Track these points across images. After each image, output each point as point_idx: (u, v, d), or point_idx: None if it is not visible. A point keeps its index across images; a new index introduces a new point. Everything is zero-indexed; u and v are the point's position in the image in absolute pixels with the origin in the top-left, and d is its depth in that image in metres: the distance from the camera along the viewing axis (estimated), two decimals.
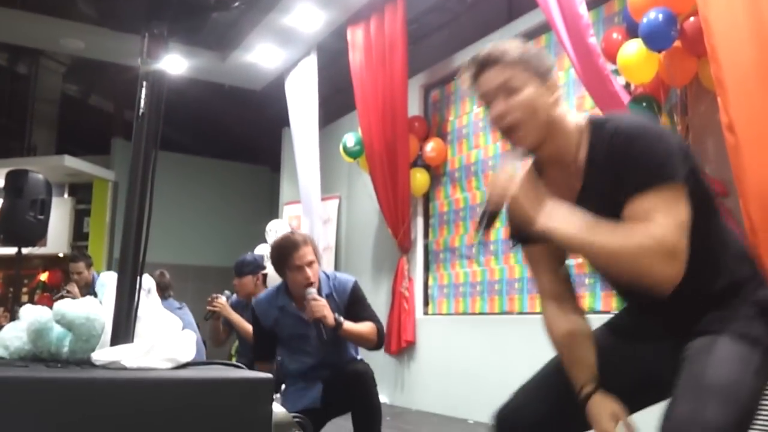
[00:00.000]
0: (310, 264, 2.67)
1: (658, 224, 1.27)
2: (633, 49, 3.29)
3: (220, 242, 8.38)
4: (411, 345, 5.30)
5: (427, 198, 5.60)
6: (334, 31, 5.70)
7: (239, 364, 1.40)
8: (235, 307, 3.97)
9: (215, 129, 8.63)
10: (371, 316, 2.76)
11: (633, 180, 1.31)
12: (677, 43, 3.14)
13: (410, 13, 5.29)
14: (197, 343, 1.39)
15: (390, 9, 5.18)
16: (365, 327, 2.70)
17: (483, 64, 1.42)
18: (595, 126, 1.42)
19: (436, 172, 5.47)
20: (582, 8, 3.34)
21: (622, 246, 1.28)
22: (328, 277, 2.79)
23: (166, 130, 1.45)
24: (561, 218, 1.34)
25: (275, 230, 6.50)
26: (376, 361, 5.50)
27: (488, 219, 1.41)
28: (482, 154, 5.00)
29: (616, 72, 3.46)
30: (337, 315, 2.62)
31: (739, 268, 1.43)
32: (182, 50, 5.99)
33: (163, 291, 4.29)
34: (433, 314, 5.35)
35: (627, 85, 3.53)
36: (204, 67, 6.44)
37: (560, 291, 1.53)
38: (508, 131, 1.41)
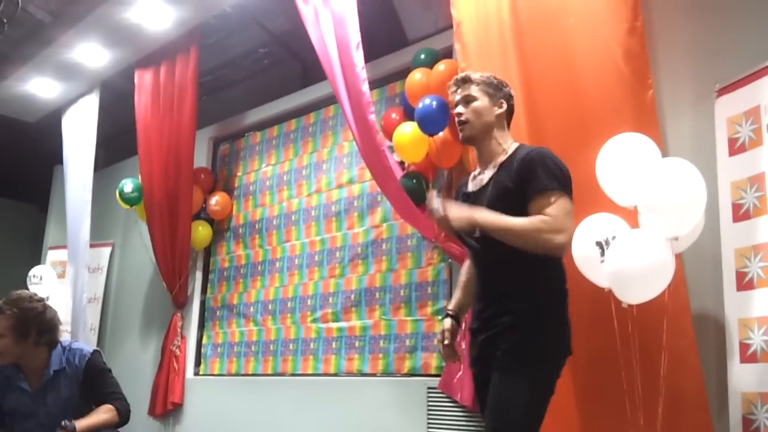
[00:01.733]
0: None
1: (549, 213, 2.01)
2: (407, 131, 3.53)
3: None
4: (178, 407, 5.01)
5: (209, 252, 5.43)
6: (122, 70, 5.40)
7: None
8: None
9: None
10: (111, 392, 2.53)
11: (535, 185, 2.05)
12: (446, 129, 3.42)
13: (205, 65, 5.21)
14: None
15: (182, 57, 5.04)
16: (101, 415, 2.45)
17: (462, 80, 2.27)
18: (518, 148, 2.22)
19: (220, 227, 5.34)
20: (364, 86, 3.50)
21: (524, 227, 2.02)
22: (63, 348, 2.53)
23: None
24: (485, 215, 2.07)
25: (40, 276, 5.90)
26: (137, 426, 5.13)
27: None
28: (267, 213, 4.99)
29: (392, 149, 3.68)
30: (66, 422, 2.33)
31: (545, 287, 2.13)
32: None
33: None
34: (205, 375, 5.12)
35: (402, 162, 3.75)
36: None
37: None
38: (460, 124, 2.26)
